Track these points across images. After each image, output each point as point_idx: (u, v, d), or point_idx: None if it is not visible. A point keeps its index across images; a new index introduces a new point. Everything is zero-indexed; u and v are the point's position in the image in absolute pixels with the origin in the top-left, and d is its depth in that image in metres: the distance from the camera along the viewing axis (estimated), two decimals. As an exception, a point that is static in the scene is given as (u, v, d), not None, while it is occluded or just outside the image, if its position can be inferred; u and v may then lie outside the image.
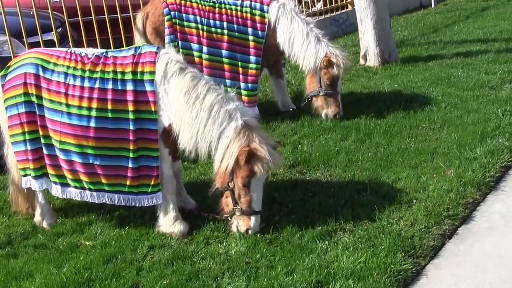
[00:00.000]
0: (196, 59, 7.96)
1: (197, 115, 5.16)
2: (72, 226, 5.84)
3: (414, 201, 5.72)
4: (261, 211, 5.29)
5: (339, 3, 13.87)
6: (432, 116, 7.66)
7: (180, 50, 7.91)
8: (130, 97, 5.28)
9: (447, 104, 8.03)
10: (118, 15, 8.92)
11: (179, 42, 7.95)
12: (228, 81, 7.97)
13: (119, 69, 5.34)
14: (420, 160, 6.53)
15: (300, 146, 7.21)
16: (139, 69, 5.31)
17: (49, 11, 8.56)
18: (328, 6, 13.75)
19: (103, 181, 5.44)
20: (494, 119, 7.38)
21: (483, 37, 11.78)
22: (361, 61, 10.57)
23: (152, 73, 5.29)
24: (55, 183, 5.62)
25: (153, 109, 5.28)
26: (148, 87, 5.28)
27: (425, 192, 5.85)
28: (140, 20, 8.22)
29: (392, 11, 14.86)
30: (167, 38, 7.98)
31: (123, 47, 8.74)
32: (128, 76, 5.31)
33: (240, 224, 5.29)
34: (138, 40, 8.29)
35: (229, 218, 5.38)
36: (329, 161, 6.72)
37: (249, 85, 7.95)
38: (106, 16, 8.77)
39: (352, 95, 8.70)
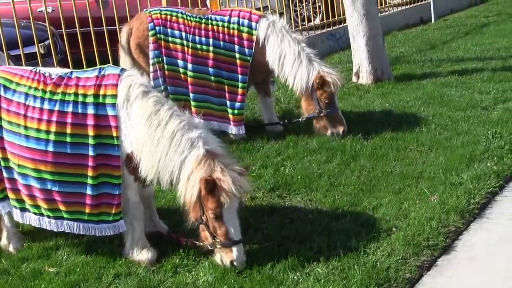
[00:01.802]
0: (182, 76, 7.78)
1: (159, 142, 4.94)
2: (39, 250, 5.63)
3: (394, 229, 5.49)
4: (241, 239, 5.00)
5: (336, 18, 13.67)
6: (420, 138, 7.44)
7: (165, 66, 7.74)
8: (90, 121, 5.06)
9: (437, 125, 7.81)
10: (104, 28, 8.80)
11: (164, 58, 7.77)
12: (214, 99, 7.78)
13: (80, 91, 5.13)
14: (404, 185, 6.31)
15: (282, 168, 6.99)
16: (101, 92, 5.10)
17: (31, 22, 8.44)
18: (325, 21, 13.57)
19: (62, 208, 5.21)
20: (483, 141, 7.16)
21: (480, 54, 11.56)
22: (354, 79, 10.35)
23: (114, 96, 5.07)
24: (15, 207, 5.42)
25: (115, 134, 5.06)
26: (110, 111, 5.06)
27: (406, 219, 5.62)
28: (125, 34, 8.04)
29: (392, 26, 14.76)
30: (151, 54, 7.80)
31: (108, 61, 8.69)
32: (90, 99, 5.09)
33: (224, 257, 5.00)
34: (122, 55, 8.12)
35: (209, 247, 5.11)
36: (310, 184, 6.51)
37: (236, 103, 7.76)
38: (91, 28, 8.63)
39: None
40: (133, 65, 8.03)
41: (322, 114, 7.65)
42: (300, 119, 7.88)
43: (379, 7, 15.22)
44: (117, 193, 5.14)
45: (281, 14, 12.13)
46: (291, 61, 7.55)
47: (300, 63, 7.54)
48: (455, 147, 7.09)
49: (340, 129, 7.65)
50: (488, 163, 6.60)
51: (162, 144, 4.94)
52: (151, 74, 7.81)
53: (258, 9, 11.31)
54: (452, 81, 9.79)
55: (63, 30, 8.57)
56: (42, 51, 8.97)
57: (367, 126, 7.97)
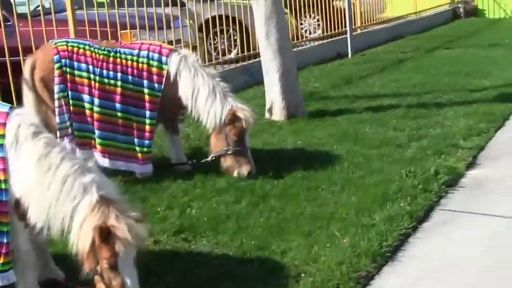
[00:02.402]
0: (88, 112, 7.39)
1: (49, 187, 4.52)
2: None
3: (303, 275, 5.18)
4: (137, 292, 4.64)
5: (251, 52, 13.45)
6: (333, 177, 7.20)
7: (71, 101, 7.34)
8: (-24, 163, 4.64)
9: (350, 163, 7.59)
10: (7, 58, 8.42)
11: (69, 92, 7.36)
12: (121, 137, 7.40)
13: (-34, 130, 4.71)
14: (315, 227, 6.02)
15: (189, 209, 6.65)
16: None
17: None
18: (240, 55, 13.35)
19: None
20: (397, 180, 6.96)
21: (396, 90, 11.48)
22: (267, 115, 10.08)
23: (2, 136, 4.67)
24: None
25: (2, 177, 4.62)
26: (-3, 153, 4.65)
27: (315, 264, 5.32)
28: (29, 66, 7.60)
29: (308, 61, 14.61)
30: (56, 88, 7.37)
31: (11, 93, 8.28)
32: None
33: None
34: (25, 89, 7.69)
35: None
36: (217, 227, 6.17)
37: (144, 141, 7.39)
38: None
39: (252, 152, 8.19)
40: (37, 100, 7.63)
41: (229, 152, 7.33)
42: (209, 159, 7.52)
43: (295, 41, 15.14)
44: (5, 241, 4.71)
45: (195, 47, 11.87)
46: (204, 97, 7.26)
47: (214, 98, 7.25)
48: (368, 186, 6.87)
49: (246, 170, 7.33)
50: (402, 203, 6.39)
51: (53, 189, 4.54)
52: (56, 110, 7.40)
53: (171, 42, 11.06)
54: (367, 118, 9.63)
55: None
56: None
57: (279, 165, 7.70)
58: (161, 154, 8.46)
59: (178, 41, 11.53)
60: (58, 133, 7.43)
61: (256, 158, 7.75)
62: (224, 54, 13.55)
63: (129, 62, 7.36)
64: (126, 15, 10.70)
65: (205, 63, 11.93)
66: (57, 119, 7.42)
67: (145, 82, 7.33)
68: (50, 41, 7.75)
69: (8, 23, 9.73)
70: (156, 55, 7.37)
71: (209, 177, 7.41)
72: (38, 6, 11.76)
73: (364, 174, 7.21)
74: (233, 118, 7.19)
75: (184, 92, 7.31)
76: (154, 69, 7.34)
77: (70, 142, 7.36)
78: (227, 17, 13.89)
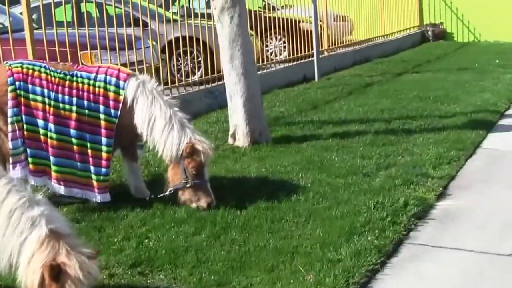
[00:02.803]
0: (42, 137, 7.02)
1: None
2: None
3: (264, 315, 4.89)
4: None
5: (215, 74, 13.15)
6: (297, 207, 6.90)
7: (24, 126, 6.99)
8: None
9: (315, 193, 7.30)
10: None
11: (23, 116, 7.00)
12: (77, 164, 7.04)
13: None
14: (278, 262, 5.71)
15: (146, 240, 6.31)
16: None
17: None
18: (203, 77, 13.05)
19: None
20: (364, 212, 6.68)
21: (363, 116, 11.22)
22: (230, 141, 9.75)
23: None
24: None
25: None
26: None
27: (278, 303, 5.03)
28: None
29: (273, 84, 14.37)
30: (9, 112, 6.99)
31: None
32: None
33: None
34: None
35: None
36: (175, 260, 5.84)
37: (101, 169, 7.03)
38: None
39: (212, 180, 7.86)
40: None
41: (188, 186, 6.97)
42: (167, 192, 7.11)
43: (262, 63, 14.88)
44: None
45: (157, 69, 11.56)
46: (161, 126, 6.88)
47: (171, 128, 6.87)
48: (334, 218, 6.58)
49: (205, 203, 6.98)
50: (369, 236, 6.11)
51: None
52: (9, 135, 7.03)
53: (132, 63, 10.74)
54: (333, 144, 9.34)
55: None
56: None
57: (242, 194, 7.38)
58: (119, 181, 8.11)
59: (140, 62, 11.21)
60: (11, 159, 7.10)
61: (218, 186, 7.46)
62: (187, 76, 13.20)
63: (86, 86, 6.99)
64: (86, 35, 10.33)
65: (167, 85, 11.70)
66: (10, 144, 7.05)
67: (102, 107, 6.97)
68: (5, 62, 7.39)
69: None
70: (113, 79, 7.01)
71: (169, 206, 7.07)
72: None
73: (330, 205, 6.92)
74: (191, 151, 6.84)
75: (140, 120, 6.95)
76: (111, 94, 6.98)
77: (23, 168, 7.05)
78: (191, 38, 13.59)
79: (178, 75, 13.74)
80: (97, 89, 6.97)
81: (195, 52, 14.20)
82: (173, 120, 6.90)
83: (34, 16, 11.45)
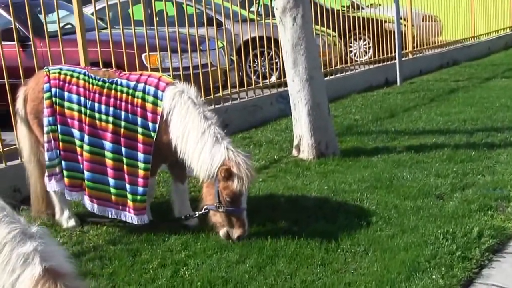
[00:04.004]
0: (78, 149, 6.47)
1: None
2: None
3: None
4: None
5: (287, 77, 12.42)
6: (357, 235, 6.14)
7: (60, 136, 6.45)
8: None
9: (379, 217, 6.52)
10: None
11: (59, 126, 6.47)
12: (112, 181, 6.42)
13: None
14: (326, 302, 5.00)
15: (184, 268, 5.67)
16: None
17: None
18: (276, 81, 12.34)
19: None
20: (431, 243, 5.86)
21: (443, 126, 10.30)
22: (294, 152, 9.02)
23: None
24: None
25: None
26: None
27: None
28: (22, 95, 6.78)
29: (353, 88, 13.62)
30: (45, 121, 6.51)
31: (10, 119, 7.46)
32: None
33: None
34: (18, 121, 6.94)
35: None
36: (211, 294, 5.20)
37: (138, 188, 6.35)
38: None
39: (269, 198, 7.21)
40: (29, 134, 6.81)
41: (220, 210, 6.12)
42: (203, 211, 6.28)
43: (342, 66, 14.15)
44: None
45: (225, 71, 10.96)
46: (194, 141, 6.08)
47: (204, 144, 6.04)
48: (397, 249, 5.79)
49: (236, 234, 6.12)
50: (434, 274, 5.30)
51: None
52: (45, 145, 6.54)
53: (196, 67, 10.16)
54: (407, 159, 8.48)
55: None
56: None
57: (297, 215, 6.68)
58: (163, 198, 7.48)
59: (205, 65, 10.62)
60: (46, 171, 6.61)
61: (274, 206, 6.83)
62: (264, 78, 12.49)
63: (124, 96, 6.33)
64: (155, 36, 9.77)
65: (242, 88, 11.12)
66: (45, 156, 6.57)
67: (139, 119, 6.28)
68: (45, 67, 6.86)
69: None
70: (152, 89, 6.30)
71: (215, 228, 6.38)
72: (67, 24, 11.15)
73: (394, 233, 6.14)
74: (227, 176, 5.97)
75: (175, 133, 6.19)
76: (149, 105, 6.27)
77: (58, 182, 6.52)
78: (268, 38, 12.96)
79: (254, 77, 13.15)
80: (135, 99, 6.30)
81: (272, 53, 13.51)
82: (207, 134, 6.08)
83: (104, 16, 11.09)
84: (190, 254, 5.95)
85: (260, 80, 12.09)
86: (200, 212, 6.31)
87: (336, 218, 6.55)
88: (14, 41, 8.20)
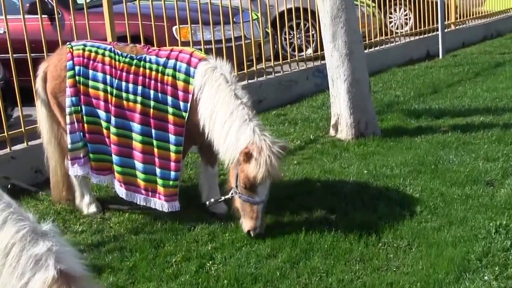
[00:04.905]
0: (105, 131, 6.03)
1: None
2: None
3: None
4: None
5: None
6: (400, 227, 5.62)
7: (84, 117, 6.02)
8: None
9: (424, 207, 6.00)
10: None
11: (83, 107, 6.03)
12: (140, 165, 5.96)
13: None
14: (365, 306, 4.50)
15: (210, 263, 5.21)
16: None
17: None
18: (312, 54, 11.77)
19: None
20: (483, 238, 5.33)
21: (491, 104, 9.66)
22: (331, 132, 8.47)
23: None
24: None
25: None
26: None
27: None
28: (41, 73, 6.34)
29: (393, 61, 13.06)
30: (67, 101, 6.06)
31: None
32: None
33: None
34: (38, 102, 6.49)
35: None
36: (238, 294, 4.74)
37: (170, 173, 5.86)
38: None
39: (304, 182, 6.69)
40: (49, 115, 6.36)
41: (233, 196, 5.63)
42: (230, 195, 5.72)
43: (382, 38, 13.55)
44: None
45: (259, 44, 10.47)
46: (221, 121, 5.56)
47: (231, 125, 5.52)
48: (444, 244, 5.25)
49: (246, 227, 5.58)
50: (486, 274, 4.78)
51: None
52: (68, 127, 6.10)
53: (229, 39, 9.66)
54: (453, 140, 7.89)
55: (10, 55, 7.25)
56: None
57: (334, 203, 6.17)
58: (191, 183, 7.00)
59: (238, 38, 10.11)
60: (69, 154, 6.18)
61: (308, 192, 6.30)
62: (300, 51, 11.92)
63: (153, 73, 5.83)
64: (186, 8, 9.27)
65: (277, 61, 10.64)
66: (68, 138, 6.14)
67: (169, 99, 5.78)
68: (68, 43, 6.39)
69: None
70: (184, 66, 5.78)
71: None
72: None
73: (440, 225, 5.61)
74: (246, 159, 5.42)
75: (203, 113, 5.68)
76: (180, 84, 5.76)
77: (82, 166, 6.10)
78: (304, 9, 12.40)
79: (290, 50, 12.66)
80: (165, 77, 5.79)
81: (309, 25, 12.94)
82: (234, 115, 5.55)
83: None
84: (217, 246, 5.49)
85: (296, 53, 11.47)
86: (225, 197, 5.85)
87: (376, 207, 6.04)
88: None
